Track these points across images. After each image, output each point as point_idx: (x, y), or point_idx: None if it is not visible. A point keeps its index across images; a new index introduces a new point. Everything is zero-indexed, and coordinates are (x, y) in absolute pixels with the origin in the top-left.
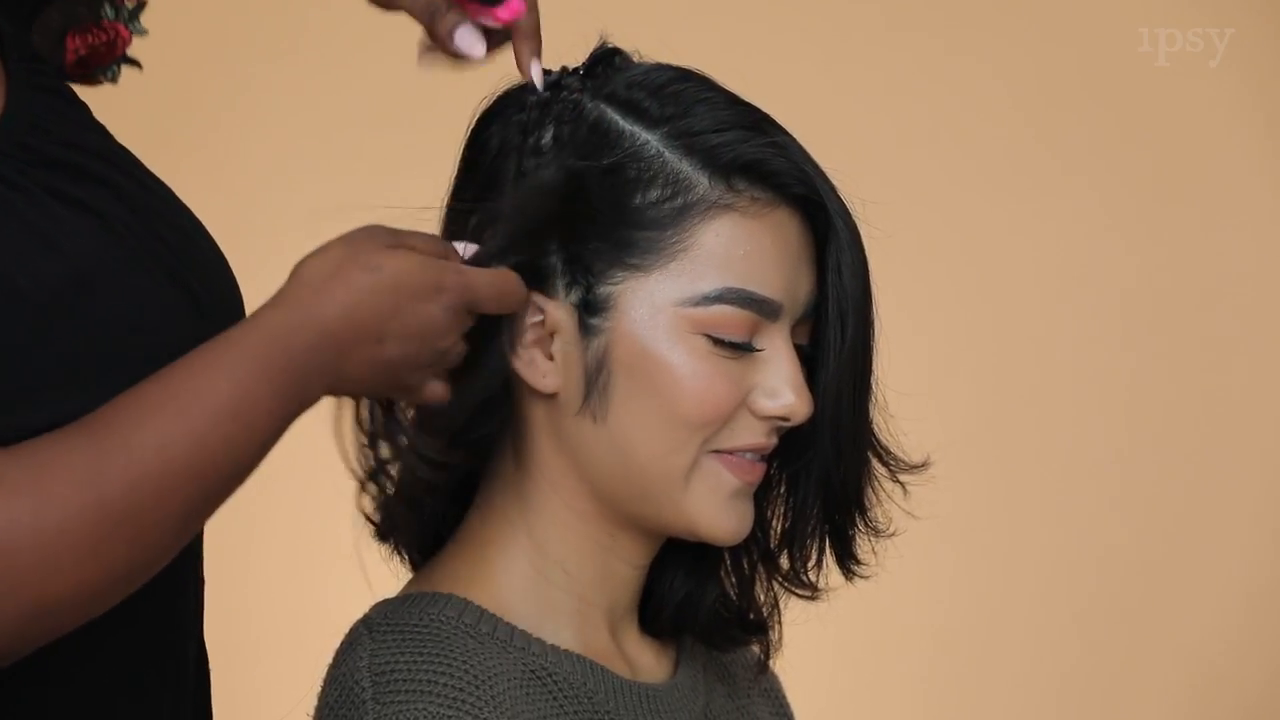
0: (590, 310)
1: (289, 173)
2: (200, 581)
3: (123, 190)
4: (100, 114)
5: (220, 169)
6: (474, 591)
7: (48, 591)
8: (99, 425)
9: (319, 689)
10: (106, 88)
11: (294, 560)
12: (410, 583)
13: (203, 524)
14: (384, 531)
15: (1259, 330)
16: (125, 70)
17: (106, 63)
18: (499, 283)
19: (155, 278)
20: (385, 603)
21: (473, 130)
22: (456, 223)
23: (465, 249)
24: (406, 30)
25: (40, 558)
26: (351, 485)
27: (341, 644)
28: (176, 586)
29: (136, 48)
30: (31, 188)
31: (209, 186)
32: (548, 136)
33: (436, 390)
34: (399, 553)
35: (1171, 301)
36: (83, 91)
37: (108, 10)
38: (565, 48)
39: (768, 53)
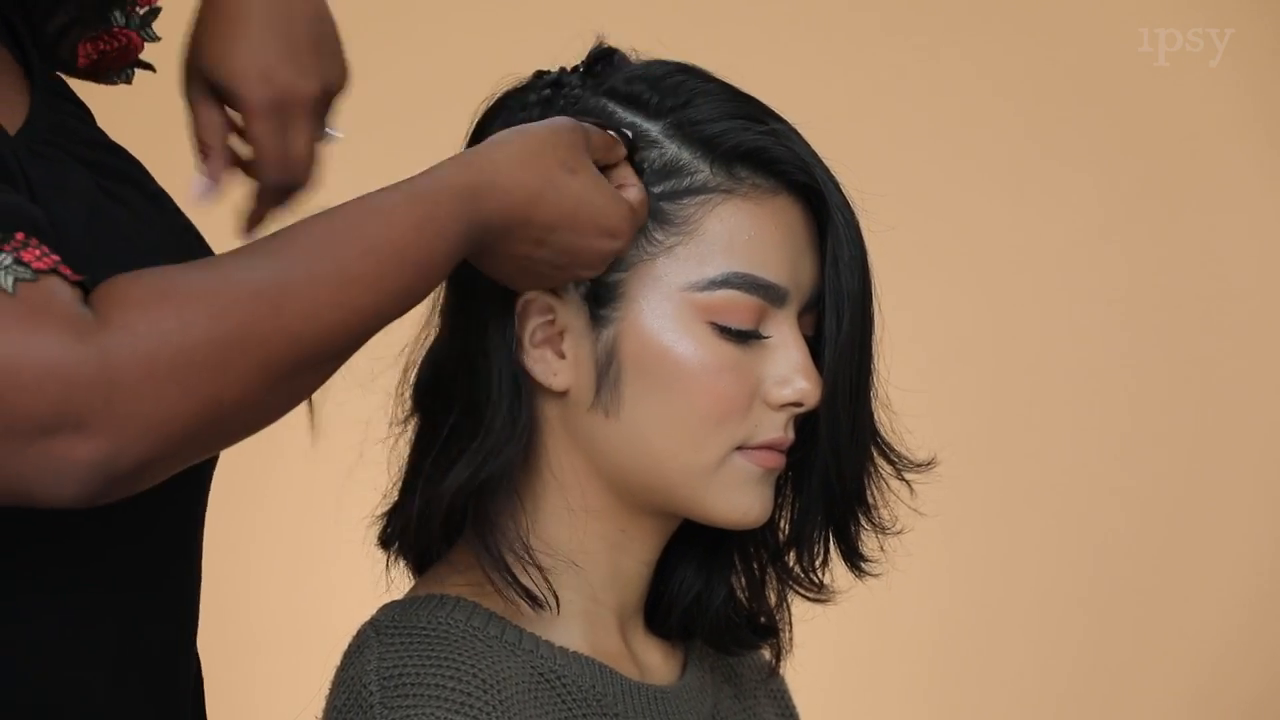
0: (599, 301)
1: None
2: (197, 586)
3: (142, 186)
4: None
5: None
6: (482, 594)
7: (222, 396)
8: (278, 243)
9: (326, 692)
10: (105, 94)
11: (295, 564)
12: (417, 585)
13: (358, 346)
14: (388, 539)
15: (1259, 330)
16: (135, 74)
17: (118, 67)
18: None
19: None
20: (392, 605)
21: (475, 128)
22: None
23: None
24: (410, 33)
25: (217, 361)
26: (352, 485)
27: (349, 647)
28: (172, 585)
29: (150, 52)
30: (69, 166)
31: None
32: None
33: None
34: (402, 559)
35: (1172, 300)
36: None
37: (118, 17)
38: (562, 49)
39: (767, 52)
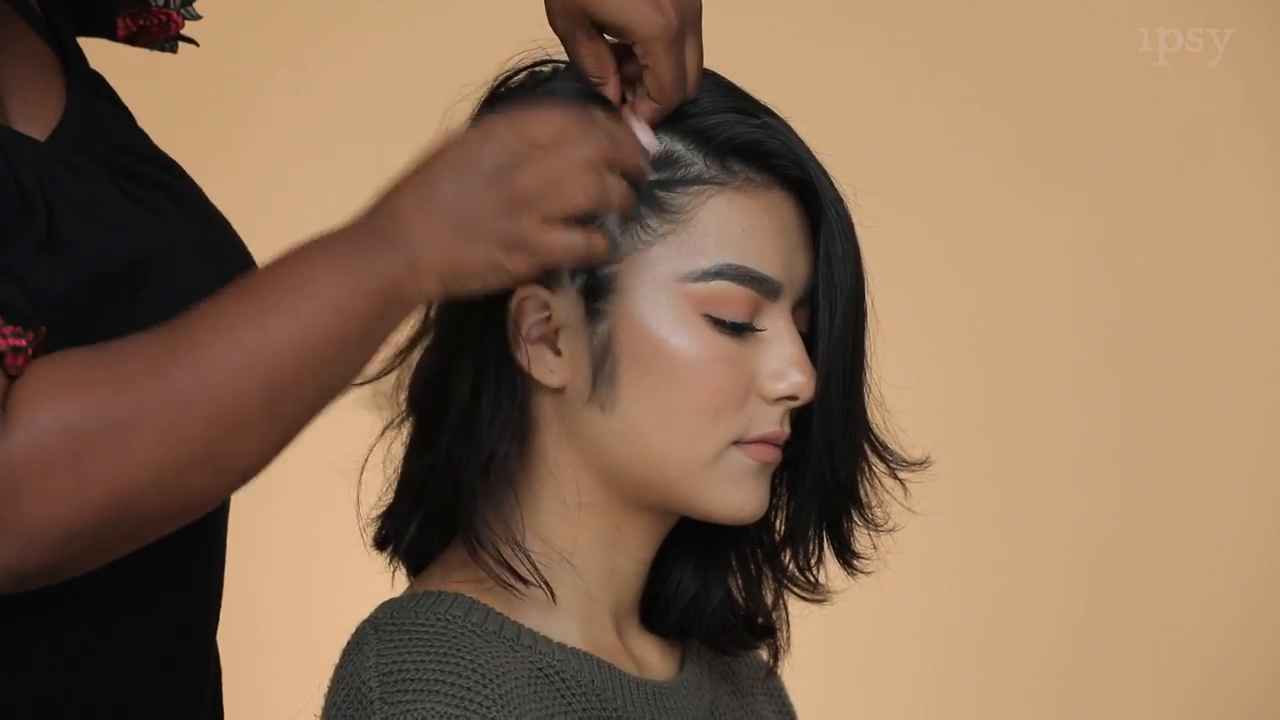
0: (594, 294)
1: (305, 175)
2: (220, 582)
3: (173, 191)
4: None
5: (240, 171)
6: (479, 590)
7: (121, 480)
8: (173, 323)
9: (326, 690)
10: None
11: (302, 562)
12: (415, 582)
13: (290, 417)
14: (383, 539)
15: (1257, 329)
16: (155, 69)
17: (159, 39)
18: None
19: (208, 268)
20: (391, 602)
21: (474, 117)
22: None
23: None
24: (424, 36)
25: (112, 444)
26: (354, 485)
27: (348, 644)
28: (195, 580)
29: (192, 28)
30: (96, 177)
31: (229, 188)
32: None
33: (560, 241)
34: (398, 559)
35: (1170, 299)
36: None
37: None
38: (557, 47)
39: (760, 49)
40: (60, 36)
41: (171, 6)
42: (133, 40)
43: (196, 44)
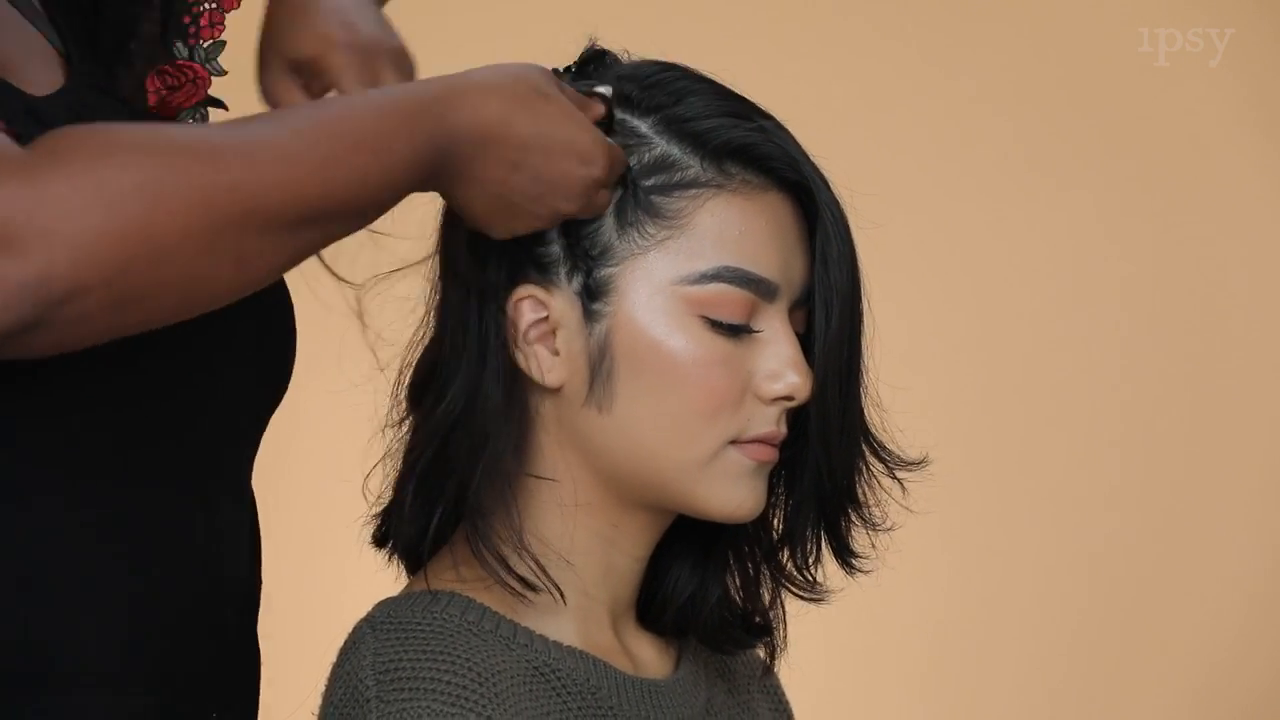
0: (592, 295)
1: None
2: (247, 579)
3: None
4: None
5: None
6: (476, 589)
7: (153, 229)
8: (244, 120)
9: (323, 689)
10: None
11: (301, 561)
12: (413, 581)
13: (311, 241)
14: (381, 537)
15: (1257, 330)
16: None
17: (189, 104)
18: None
19: None
20: (388, 601)
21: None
22: (456, 214)
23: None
24: (426, 39)
25: (147, 192)
26: (356, 486)
27: (345, 643)
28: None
29: (220, 86)
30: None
31: None
32: None
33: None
34: (396, 557)
35: (1170, 299)
36: None
37: (180, 49)
38: (554, 51)
39: (757, 51)
40: (66, 42)
41: (196, 59)
42: (164, 107)
43: (226, 107)
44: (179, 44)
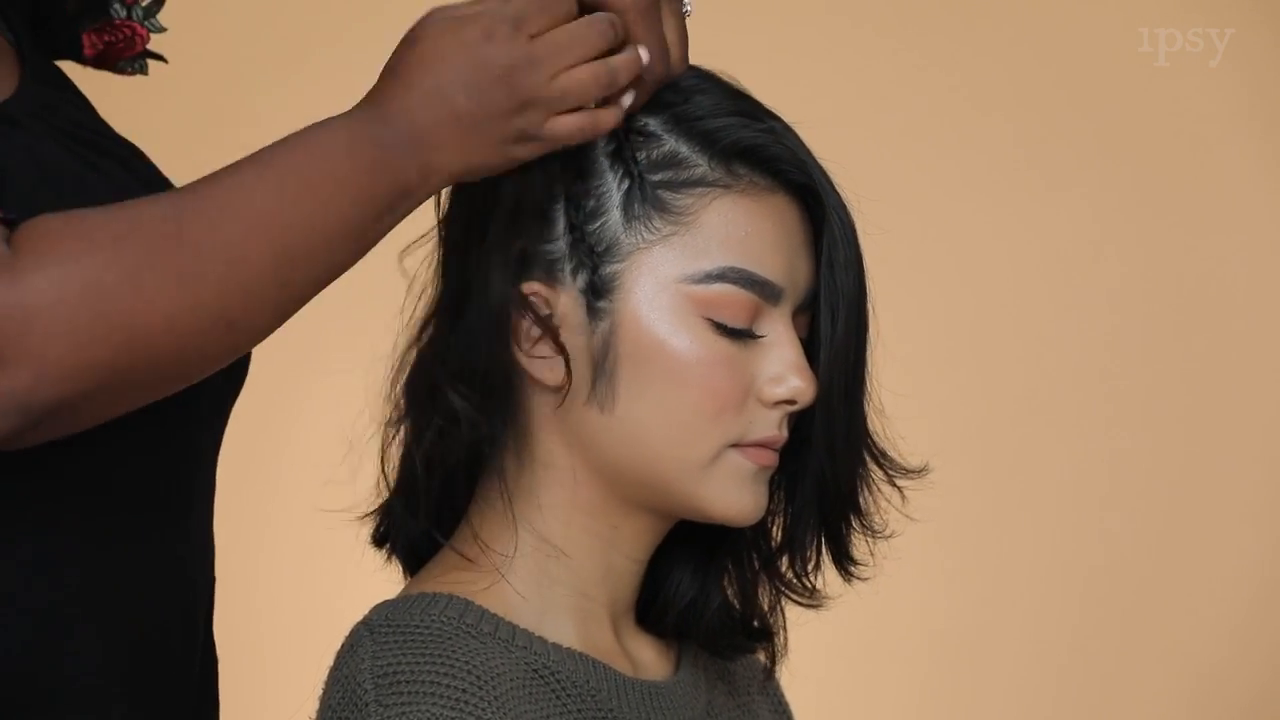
0: (596, 293)
1: None
2: (211, 579)
3: (130, 164)
4: (118, 118)
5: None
6: (475, 591)
7: (138, 321)
8: (189, 185)
9: (320, 692)
10: (125, 91)
11: (300, 563)
12: (411, 584)
13: (298, 285)
14: (381, 536)
15: (1256, 330)
16: (151, 69)
17: (127, 57)
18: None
19: None
20: (386, 604)
21: None
22: (456, 214)
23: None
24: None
25: (128, 285)
26: (357, 485)
27: (342, 646)
28: (186, 580)
29: (161, 43)
30: (47, 141)
31: None
32: None
33: (567, 126)
34: (395, 557)
35: (1170, 300)
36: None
37: (118, 9)
38: None
39: (768, 53)
40: (15, 30)
41: (134, 18)
42: (101, 61)
43: (165, 60)
44: (116, 4)
